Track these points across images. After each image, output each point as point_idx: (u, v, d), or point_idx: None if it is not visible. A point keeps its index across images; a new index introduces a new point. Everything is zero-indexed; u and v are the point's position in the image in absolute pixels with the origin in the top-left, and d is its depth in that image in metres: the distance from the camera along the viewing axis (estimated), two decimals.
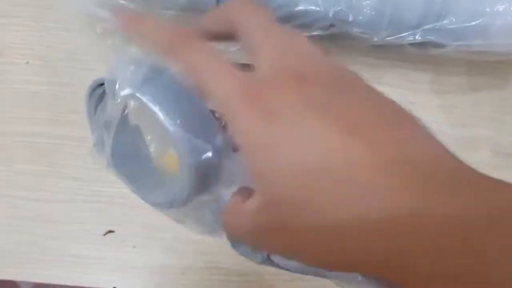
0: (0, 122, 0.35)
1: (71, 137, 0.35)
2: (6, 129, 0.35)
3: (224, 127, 0.20)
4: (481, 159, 0.34)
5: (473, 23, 0.27)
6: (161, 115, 0.19)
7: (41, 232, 0.34)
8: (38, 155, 0.35)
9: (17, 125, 0.35)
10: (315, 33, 0.29)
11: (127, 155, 0.25)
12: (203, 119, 0.21)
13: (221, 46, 0.22)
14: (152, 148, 0.25)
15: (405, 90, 0.35)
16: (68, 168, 0.35)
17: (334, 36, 0.29)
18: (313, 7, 0.28)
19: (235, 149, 0.20)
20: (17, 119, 0.35)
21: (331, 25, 0.29)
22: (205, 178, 0.21)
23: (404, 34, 0.28)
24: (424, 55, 0.31)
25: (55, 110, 0.35)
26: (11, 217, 0.34)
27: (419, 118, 0.18)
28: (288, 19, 0.29)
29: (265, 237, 0.18)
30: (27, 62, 0.35)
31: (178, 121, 0.20)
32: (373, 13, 0.28)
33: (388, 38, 0.29)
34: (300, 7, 0.28)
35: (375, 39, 0.29)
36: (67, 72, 0.35)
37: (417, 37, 0.28)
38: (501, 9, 0.28)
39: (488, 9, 0.27)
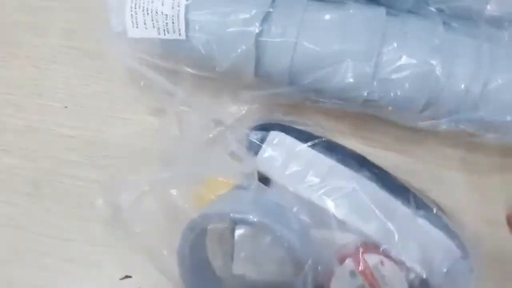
0: (32, 160, 0.36)
1: (99, 181, 0.35)
2: (38, 166, 0.36)
3: None
4: None
5: (508, 118, 0.27)
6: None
7: (56, 269, 0.35)
8: (65, 194, 0.36)
9: (49, 164, 0.36)
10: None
11: None
12: None
13: None
14: None
15: (433, 165, 0.35)
16: (93, 211, 0.35)
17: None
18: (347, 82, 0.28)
19: None
20: (49, 158, 0.36)
21: (365, 102, 0.29)
22: None
23: (437, 121, 0.28)
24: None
25: (86, 154, 0.36)
26: (29, 251, 0.35)
27: None
28: (321, 94, 0.30)
29: None
30: (66, 107, 0.37)
31: None
32: (408, 96, 0.28)
33: (421, 123, 0.29)
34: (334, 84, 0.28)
35: (407, 123, 0.29)
36: (103, 120, 0.36)
37: (452, 124, 0.28)
38: None
39: None
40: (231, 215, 0.24)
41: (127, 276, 0.35)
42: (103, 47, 0.33)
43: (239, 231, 0.24)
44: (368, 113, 0.33)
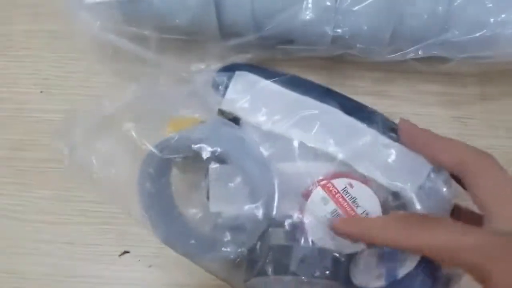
0: (18, 149, 0.36)
1: None
2: (24, 155, 0.36)
3: None
4: None
5: (477, 34, 0.27)
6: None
7: (58, 254, 0.35)
8: (56, 180, 0.36)
9: (35, 152, 0.36)
10: (317, 54, 0.29)
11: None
12: None
13: None
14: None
15: (413, 102, 0.35)
16: (84, 192, 0.35)
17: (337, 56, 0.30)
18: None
19: None
20: (34, 146, 0.36)
21: (333, 42, 0.29)
22: None
23: (406, 50, 0.28)
24: (431, 70, 0.31)
25: None
26: (29, 240, 0.35)
27: None
28: (288, 39, 0.29)
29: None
30: (41, 92, 0.36)
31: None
32: (373, 28, 0.28)
33: (390, 56, 0.29)
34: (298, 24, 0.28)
35: (377, 58, 0.29)
36: (80, 99, 0.36)
37: (420, 52, 0.28)
38: (505, 18, 0.27)
39: (492, 20, 0.27)
40: (188, 143, 0.24)
41: (125, 252, 0.35)
42: (68, 24, 0.32)
43: (212, 167, 0.25)
44: (340, 59, 0.33)
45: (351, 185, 0.25)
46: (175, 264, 0.34)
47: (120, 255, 0.35)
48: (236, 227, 0.25)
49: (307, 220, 0.25)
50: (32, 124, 0.36)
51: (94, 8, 0.29)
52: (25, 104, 0.37)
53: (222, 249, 0.26)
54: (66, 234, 0.35)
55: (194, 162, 0.26)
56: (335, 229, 0.25)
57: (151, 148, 0.25)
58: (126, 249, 0.35)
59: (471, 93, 0.35)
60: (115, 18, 0.30)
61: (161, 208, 0.27)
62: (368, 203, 0.25)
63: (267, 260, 0.25)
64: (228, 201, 0.25)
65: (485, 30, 0.27)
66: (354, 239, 0.25)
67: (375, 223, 0.24)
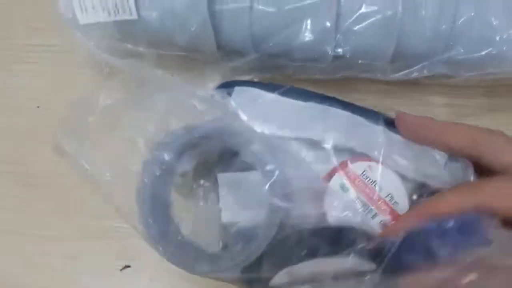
0: (17, 163, 0.36)
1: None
2: (25, 169, 0.36)
3: None
4: None
5: (483, 52, 0.26)
6: None
7: (60, 268, 0.35)
8: (57, 194, 0.35)
9: (34, 165, 0.36)
10: (318, 77, 0.29)
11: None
12: None
13: None
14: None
15: (420, 113, 0.34)
16: (85, 205, 0.35)
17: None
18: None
19: None
20: (34, 159, 0.36)
21: (333, 61, 0.28)
22: None
23: (410, 69, 0.27)
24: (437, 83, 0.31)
25: None
26: (31, 254, 0.35)
27: None
28: (287, 58, 0.29)
29: None
30: (38, 107, 0.36)
31: None
32: (375, 46, 0.27)
33: (393, 75, 0.28)
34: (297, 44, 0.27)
35: (380, 77, 0.28)
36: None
37: (424, 71, 0.27)
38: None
39: (498, 37, 0.26)
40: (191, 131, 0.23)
41: (126, 266, 0.35)
42: (66, 40, 0.32)
43: (220, 175, 0.24)
44: (342, 77, 0.32)
45: (370, 168, 0.24)
46: (176, 278, 0.34)
47: (121, 270, 0.35)
48: (248, 234, 0.25)
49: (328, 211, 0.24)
50: (31, 138, 0.36)
51: (90, 27, 0.28)
52: (22, 118, 0.36)
53: (233, 260, 0.25)
54: (68, 248, 0.35)
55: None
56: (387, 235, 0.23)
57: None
58: (127, 263, 0.35)
59: (479, 104, 0.34)
60: (111, 36, 0.29)
61: (161, 224, 0.26)
62: (391, 185, 0.24)
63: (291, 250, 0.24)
64: (242, 209, 0.24)
65: (491, 48, 0.26)
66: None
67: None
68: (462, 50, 0.26)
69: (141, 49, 0.29)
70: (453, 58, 0.26)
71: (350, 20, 0.25)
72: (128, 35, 0.29)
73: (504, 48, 0.25)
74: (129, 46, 0.30)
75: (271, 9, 0.26)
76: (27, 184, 0.36)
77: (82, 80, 0.36)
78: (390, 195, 0.24)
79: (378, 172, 0.24)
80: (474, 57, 0.26)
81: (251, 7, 0.26)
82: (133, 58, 0.30)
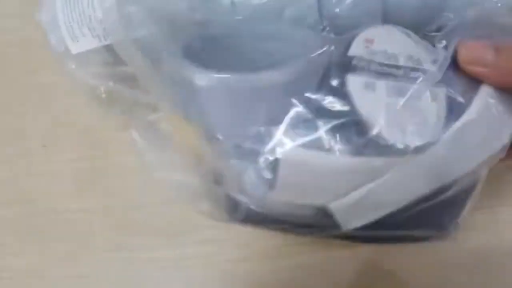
0: (29, 203, 0.36)
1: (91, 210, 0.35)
2: (36, 210, 0.36)
3: None
4: None
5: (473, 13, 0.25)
6: None
7: None
8: (71, 230, 0.35)
9: (46, 203, 0.36)
10: None
11: None
12: None
13: None
14: None
15: None
16: (103, 238, 0.35)
17: None
18: None
19: None
20: (44, 198, 0.36)
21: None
22: None
23: None
24: None
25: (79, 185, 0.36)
26: None
27: None
28: None
29: None
30: (44, 145, 0.37)
31: None
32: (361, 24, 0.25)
33: None
34: None
35: None
36: (84, 145, 0.36)
37: None
38: None
39: None
40: None
41: None
42: (62, 75, 0.33)
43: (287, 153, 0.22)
44: None
45: (371, 42, 0.23)
46: None
47: None
48: None
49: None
50: (39, 177, 0.36)
51: (83, 56, 0.29)
52: (29, 157, 0.37)
53: None
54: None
55: None
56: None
57: None
58: None
59: None
60: (106, 61, 0.30)
61: None
62: (403, 45, 0.23)
63: None
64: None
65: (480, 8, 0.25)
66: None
67: None
68: (451, 16, 0.26)
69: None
70: (444, 26, 0.26)
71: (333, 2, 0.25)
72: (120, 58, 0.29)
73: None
74: (126, 69, 0.30)
75: None
76: (39, 224, 0.36)
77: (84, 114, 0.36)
78: (411, 58, 0.23)
79: (381, 38, 0.23)
80: (465, 21, 0.25)
81: None
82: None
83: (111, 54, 0.30)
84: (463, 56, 0.23)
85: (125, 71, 0.31)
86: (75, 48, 0.28)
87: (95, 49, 0.29)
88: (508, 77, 0.22)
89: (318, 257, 0.34)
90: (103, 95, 0.31)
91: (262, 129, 0.22)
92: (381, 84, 0.23)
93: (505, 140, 0.25)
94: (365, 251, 0.34)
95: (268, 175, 0.22)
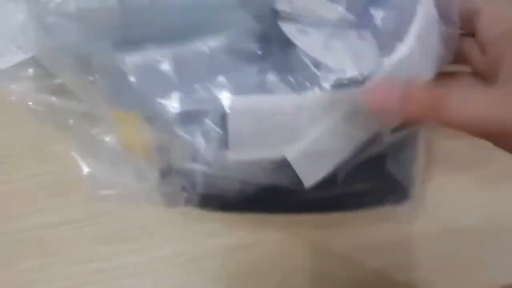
0: None
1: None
2: None
3: None
4: None
5: None
6: None
7: None
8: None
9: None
10: None
11: None
12: None
13: None
14: None
15: None
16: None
17: None
18: None
19: None
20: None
21: None
22: None
23: None
24: None
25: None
26: None
27: None
28: None
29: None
30: None
31: None
32: None
33: None
34: None
35: None
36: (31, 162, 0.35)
37: None
38: None
39: None
40: None
41: None
42: None
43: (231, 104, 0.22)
44: None
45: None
46: None
47: None
48: None
49: None
50: None
51: (11, 71, 0.28)
52: None
53: None
54: None
55: None
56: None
57: None
58: None
59: None
60: (37, 75, 0.29)
61: None
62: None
63: None
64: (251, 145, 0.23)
65: None
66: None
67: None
68: None
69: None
70: None
71: None
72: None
73: None
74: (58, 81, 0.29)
75: None
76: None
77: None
78: None
79: None
80: None
81: None
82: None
83: (41, 67, 0.29)
84: (370, 105, 0.23)
85: (58, 83, 0.30)
86: (2, 63, 0.27)
87: (25, 63, 0.28)
88: (417, 117, 0.23)
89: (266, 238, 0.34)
90: (41, 109, 0.30)
91: (203, 89, 0.22)
92: (312, 30, 0.24)
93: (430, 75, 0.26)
94: (311, 233, 0.34)
95: (218, 131, 0.22)
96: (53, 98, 0.30)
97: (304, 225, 0.34)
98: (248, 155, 0.23)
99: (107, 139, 0.29)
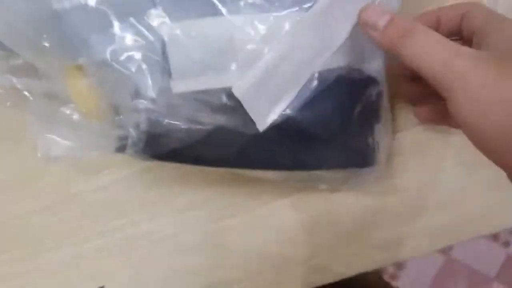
0: None
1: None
2: None
3: None
4: None
5: None
6: None
7: None
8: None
9: None
10: None
11: None
12: None
13: None
14: None
15: None
16: None
17: None
18: None
19: None
20: None
21: None
22: None
23: None
24: None
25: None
26: None
27: None
28: None
29: None
30: None
31: None
32: None
33: None
34: None
35: None
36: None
37: None
38: None
39: None
40: None
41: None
42: None
43: (168, 30, 0.22)
44: None
45: None
46: None
47: None
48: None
49: None
50: None
51: None
52: None
53: None
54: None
55: None
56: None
57: None
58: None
59: None
60: None
61: None
62: None
63: None
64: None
65: None
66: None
67: None
68: None
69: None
70: None
71: None
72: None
73: None
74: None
75: None
76: None
77: None
78: None
79: None
80: None
81: None
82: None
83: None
84: (361, 18, 0.25)
85: (18, 64, 0.31)
86: None
87: None
88: (391, 45, 0.24)
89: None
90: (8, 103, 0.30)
91: (139, 22, 0.22)
92: None
93: None
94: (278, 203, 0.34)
95: (159, 61, 0.21)
96: (14, 79, 0.31)
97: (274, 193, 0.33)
98: (193, 85, 0.22)
99: (68, 113, 0.30)
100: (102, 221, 0.34)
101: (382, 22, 0.24)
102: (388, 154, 0.33)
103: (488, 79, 0.21)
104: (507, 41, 0.23)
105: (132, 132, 0.24)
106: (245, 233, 0.34)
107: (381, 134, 0.30)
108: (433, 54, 0.22)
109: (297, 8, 0.24)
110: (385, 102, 0.30)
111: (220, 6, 0.22)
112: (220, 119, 0.24)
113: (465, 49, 0.23)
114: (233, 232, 0.34)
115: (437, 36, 0.23)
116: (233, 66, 0.23)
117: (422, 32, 0.23)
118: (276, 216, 0.33)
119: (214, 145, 0.25)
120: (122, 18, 0.23)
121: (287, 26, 0.23)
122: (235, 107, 0.24)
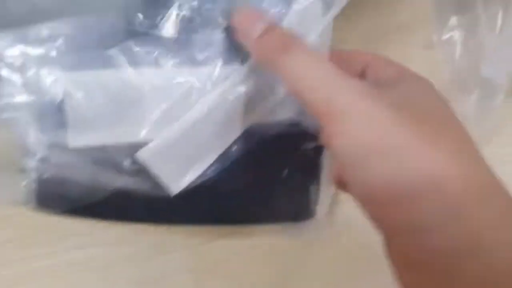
0: None
1: None
2: None
3: None
4: None
5: None
6: None
7: None
8: None
9: None
10: None
11: None
12: None
13: None
14: None
15: None
16: None
17: None
18: None
19: None
20: None
21: None
22: None
23: None
24: None
25: None
26: None
27: None
28: None
29: None
30: None
31: None
32: None
33: None
34: None
35: None
36: None
37: None
38: None
39: None
40: None
41: None
42: None
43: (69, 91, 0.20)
44: None
45: None
46: None
47: None
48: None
49: None
50: None
51: None
52: None
53: None
54: None
55: None
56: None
57: None
58: None
59: None
60: None
61: None
62: None
63: None
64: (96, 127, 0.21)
65: None
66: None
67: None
68: None
69: None
70: None
71: None
72: None
73: None
74: None
75: None
76: None
77: None
78: None
79: None
80: None
81: None
82: None
83: None
84: (233, 22, 0.21)
85: None
86: None
87: None
88: (265, 60, 0.21)
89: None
90: None
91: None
92: None
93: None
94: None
95: (53, 113, 0.20)
96: None
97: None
98: (92, 139, 0.21)
99: None
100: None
101: (256, 32, 0.20)
102: (331, 204, 0.32)
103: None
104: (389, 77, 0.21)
105: (23, 190, 0.22)
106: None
107: (322, 186, 0.29)
108: (314, 80, 0.19)
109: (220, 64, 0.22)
110: (327, 153, 0.29)
111: (123, 58, 0.21)
112: (127, 181, 0.22)
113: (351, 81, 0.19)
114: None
115: (319, 56, 0.20)
116: (140, 121, 0.21)
117: (303, 51, 0.20)
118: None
119: (121, 205, 0.24)
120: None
121: (202, 83, 0.22)
122: (142, 168, 0.22)
